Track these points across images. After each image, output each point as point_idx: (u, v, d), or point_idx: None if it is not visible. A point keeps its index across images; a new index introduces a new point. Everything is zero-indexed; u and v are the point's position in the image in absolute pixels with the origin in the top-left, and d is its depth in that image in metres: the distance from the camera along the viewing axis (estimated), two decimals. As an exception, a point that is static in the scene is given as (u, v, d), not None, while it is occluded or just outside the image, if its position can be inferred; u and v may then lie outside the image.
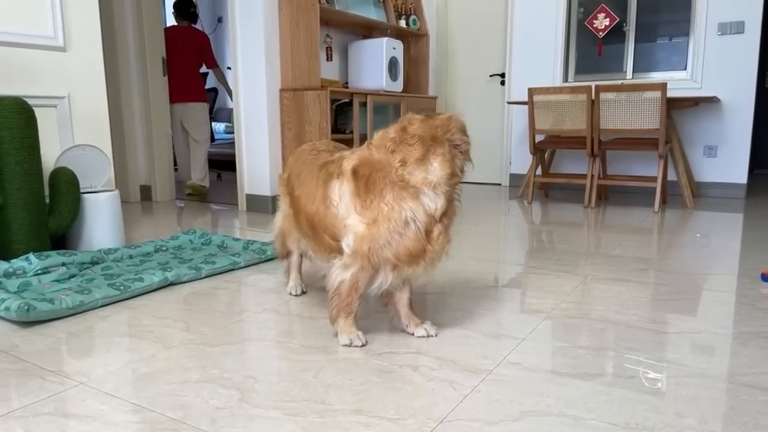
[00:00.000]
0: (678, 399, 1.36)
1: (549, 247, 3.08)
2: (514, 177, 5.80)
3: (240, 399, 1.36)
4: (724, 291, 2.23)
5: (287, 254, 2.23)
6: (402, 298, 1.79)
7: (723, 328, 1.83)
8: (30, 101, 2.71)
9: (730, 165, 4.84)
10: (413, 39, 5.35)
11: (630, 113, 4.13)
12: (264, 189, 4.21)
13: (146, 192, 4.93)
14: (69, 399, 1.37)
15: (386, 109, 4.58)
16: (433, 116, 1.63)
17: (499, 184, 5.96)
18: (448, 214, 1.66)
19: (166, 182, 4.95)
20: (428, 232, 1.62)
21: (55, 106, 2.87)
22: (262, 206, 4.22)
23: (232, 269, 2.57)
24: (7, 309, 1.86)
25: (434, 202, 1.60)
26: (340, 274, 1.68)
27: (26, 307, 1.83)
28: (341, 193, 1.69)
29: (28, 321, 1.87)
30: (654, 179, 4.28)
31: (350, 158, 1.71)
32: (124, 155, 4.78)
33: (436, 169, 1.59)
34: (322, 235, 1.78)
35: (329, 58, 4.67)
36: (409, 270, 1.65)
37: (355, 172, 1.67)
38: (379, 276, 1.66)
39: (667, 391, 1.40)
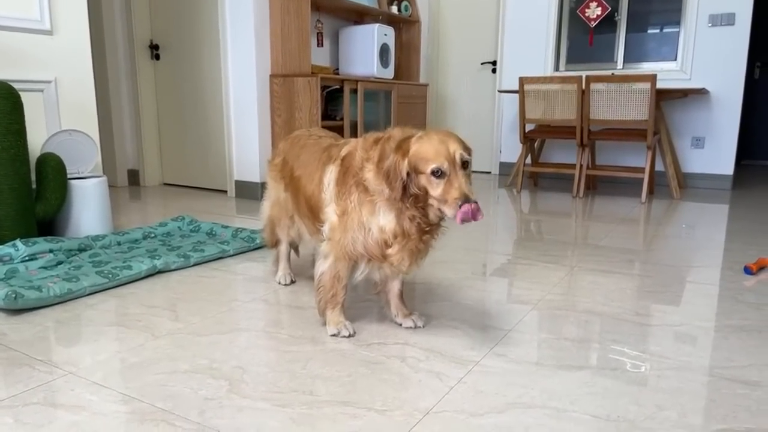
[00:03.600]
0: (659, 391, 1.39)
1: (537, 237, 3.10)
2: (504, 165, 5.82)
3: (229, 389, 1.38)
4: (708, 283, 2.26)
5: (276, 243, 2.23)
6: (393, 288, 1.81)
7: (705, 321, 1.86)
8: (16, 86, 2.67)
9: (717, 156, 4.88)
10: (405, 25, 5.31)
11: (619, 104, 4.15)
12: (253, 175, 4.19)
13: (134, 176, 4.90)
14: (58, 388, 1.37)
15: (377, 96, 4.57)
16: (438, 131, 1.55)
17: (489, 172, 5.98)
18: (407, 234, 1.55)
19: (154, 166, 4.92)
20: (387, 246, 1.59)
21: (42, 91, 2.83)
22: (251, 192, 4.21)
23: (221, 257, 2.57)
24: (-6, 297, 1.85)
25: (385, 218, 1.56)
26: (321, 264, 1.70)
27: (14, 295, 1.83)
28: (330, 179, 1.71)
29: (16, 309, 1.87)
30: (642, 170, 4.31)
31: (347, 146, 1.72)
32: (111, 139, 4.73)
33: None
34: (318, 217, 1.79)
35: (320, 43, 4.63)
36: (383, 266, 1.65)
37: (342, 161, 1.68)
38: (360, 265, 1.68)
39: (648, 384, 1.43)
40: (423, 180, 1.48)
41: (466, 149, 1.50)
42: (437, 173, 1.45)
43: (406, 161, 1.49)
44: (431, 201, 1.49)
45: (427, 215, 1.54)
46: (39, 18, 2.78)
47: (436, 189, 1.46)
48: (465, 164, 1.47)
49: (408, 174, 1.49)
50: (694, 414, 1.29)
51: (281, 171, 2.05)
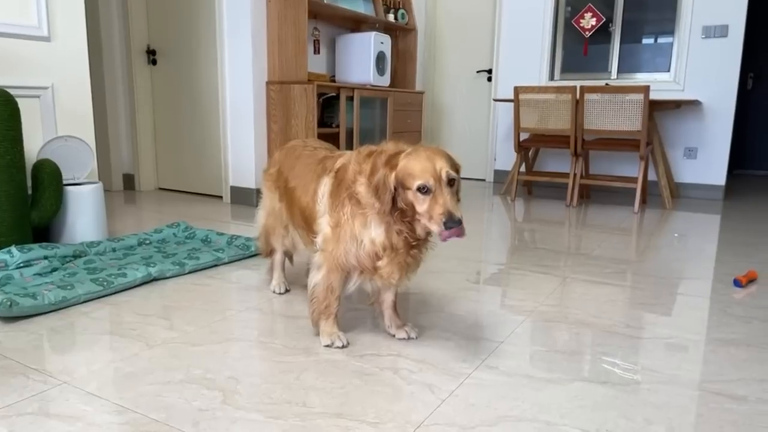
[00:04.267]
0: (648, 405, 1.41)
1: (530, 246, 3.13)
2: (498, 173, 5.85)
3: (222, 401, 1.39)
4: (698, 296, 2.29)
5: (271, 252, 2.25)
6: (387, 299, 1.82)
7: (695, 334, 1.88)
8: (13, 92, 2.68)
9: (710, 167, 4.93)
10: (401, 33, 5.34)
11: (613, 114, 4.19)
12: (249, 181, 4.21)
13: (129, 181, 4.90)
14: (52, 398, 1.38)
15: (373, 103, 4.59)
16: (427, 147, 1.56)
17: (484, 180, 6.01)
18: (395, 248, 1.57)
19: (149, 171, 4.92)
20: (378, 258, 1.61)
21: (39, 97, 2.84)
22: (246, 198, 4.22)
23: (216, 265, 2.58)
24: (-12, 304, 1.85)
25: (376, 231, 1.58)
26: (314, 276, 1.71)
27: (9, 303, 1.83)
28: (324, 191, 1.73)
29: (11, 316, 1.87)
30: (635, 180, 4.34)
31: (342, 158, 1.74)
32: (107, 143, 4.74)
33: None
34: (313, 228, 1.81)
35: (317, 51, 4.65)
36: (374, 278, 1.66)
37: (336, 173, 1.70)
38: (353, 277, 1.69)
39: (638, 397, 1.45)
40: (410, 195, 1.50)
41: (454, 166, 1.53)
42: (423, 189, 1.48)
43: (393, 176, 1.51)
44: (418, 216, 1.52)
45: (414, 230, 1.57)
46: (37, 24, 2.78)
47: (421, 205, 1.49)
48: (451, 182, 1.50)
49: (396, 189, 1.52)
50: (681, 429, 1.30)
51: (276, 181, 2.07)
